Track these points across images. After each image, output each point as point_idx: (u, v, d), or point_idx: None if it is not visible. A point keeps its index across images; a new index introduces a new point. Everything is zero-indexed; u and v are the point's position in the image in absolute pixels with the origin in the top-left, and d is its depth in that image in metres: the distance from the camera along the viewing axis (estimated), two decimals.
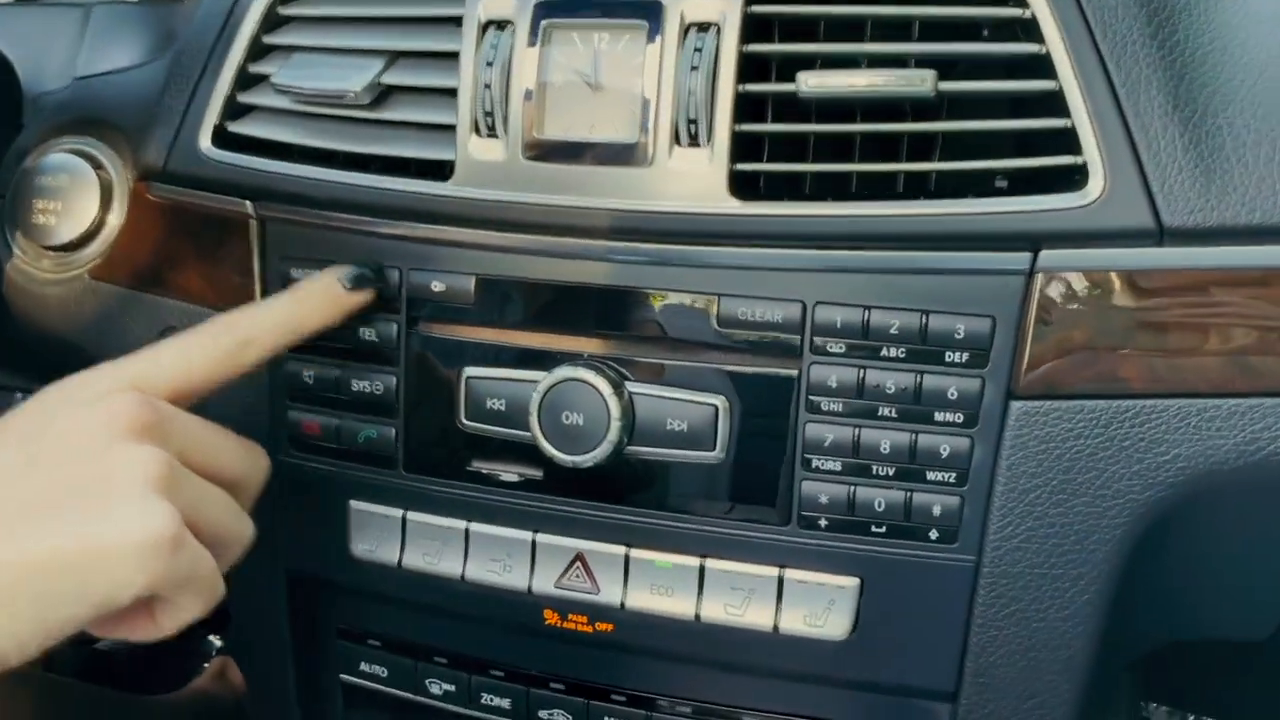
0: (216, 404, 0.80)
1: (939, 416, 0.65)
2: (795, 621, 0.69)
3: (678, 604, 0.71)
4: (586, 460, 0.69)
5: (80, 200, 0.85)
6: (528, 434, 0.70)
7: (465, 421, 0.73)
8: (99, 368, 0.63)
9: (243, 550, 0.63)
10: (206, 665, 1.43)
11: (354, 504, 0.78)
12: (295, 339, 0.70)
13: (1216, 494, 0.64)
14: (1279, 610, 0.76)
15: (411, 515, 0.76)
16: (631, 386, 0.69)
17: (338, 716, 0.87)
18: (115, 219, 0.85)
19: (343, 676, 0.85)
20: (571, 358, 0.70)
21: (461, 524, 0.75)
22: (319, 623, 0.85)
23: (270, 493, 0.80)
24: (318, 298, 0.71)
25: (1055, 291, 0.62)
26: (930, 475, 0.66)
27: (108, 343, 0.84)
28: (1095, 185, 0.60)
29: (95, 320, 0.85)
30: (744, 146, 0.65)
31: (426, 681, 0.81)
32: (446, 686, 0.81)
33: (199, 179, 0.78)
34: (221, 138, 0.77)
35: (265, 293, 0.78)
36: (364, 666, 0.84)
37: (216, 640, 1.64)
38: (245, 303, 0.78)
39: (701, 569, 0.70)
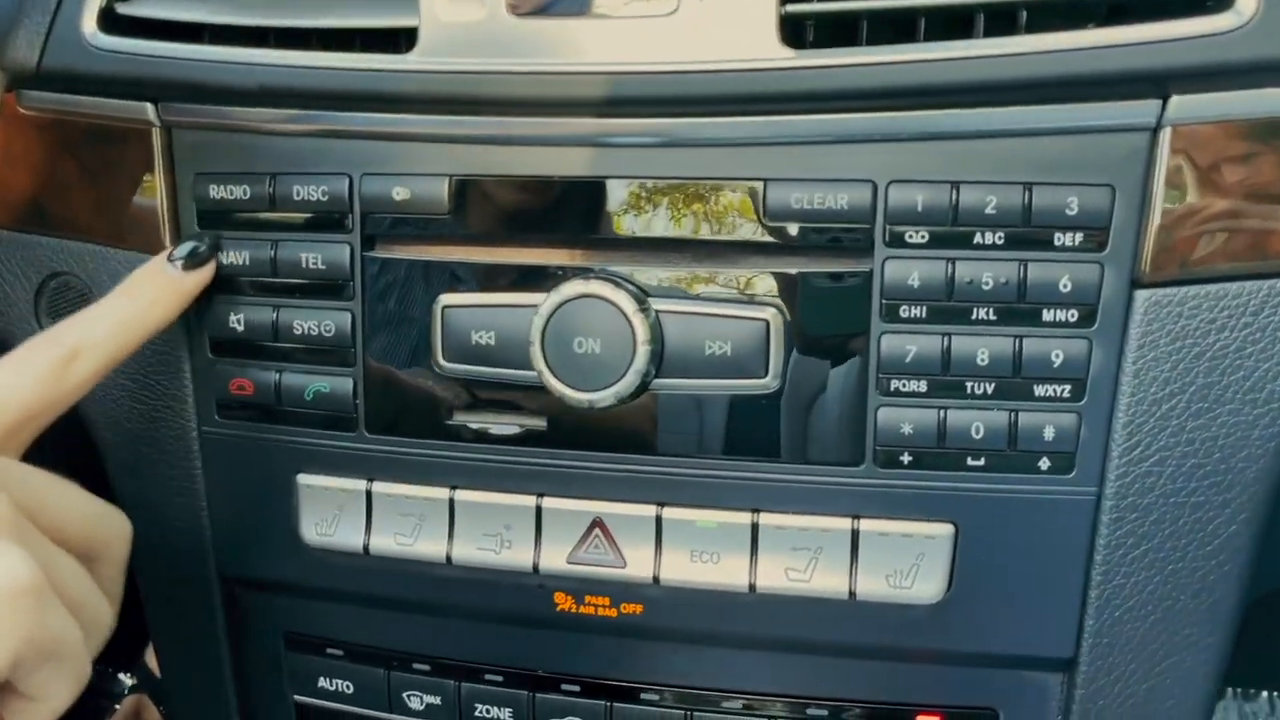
0: (125, 365, 0.65)
1: (1048, 315, 0.53)
2: (876, 584, 0.56)
3: (726, 573, 0.57)
4: (607, 398, 0.55)
5: None
6: (528, 371, 0.56)
7: (443, 363, 0.59)
8: None
9: (101, 640, 0.50)
10: (118, 707, 1.27)
11: (302, 479, 0.63)
12: (134, 341, 0.58)
13: None
14: None
15: (378, 487, 0.61)
16: (658, 303, 0.55)
17: None
18: None
19: (296, 697, 0.69)
20: (580, 272, 0.56)
21: (444, 493, 0.60)
22: (262, 634, 0.69)
23: (192, 476, 0.65)
24: (150, 288, 0.60)
25: (1189, 149, 0.51)
26: (1039, 390, 0.53)
27: None
28: (1245, 3, 0.48)
29: None
30: None
31: (404, 695, 0.66)
32: (430, 699, 0.65)
33: (84, 78, 0.62)
34: (111, 21, 0.61)
35: (175, 220, 0.63)
36: (322, 683, 0.68)
37: (127, 679, 1.48)
38: (151, 234, 0.63)
39: (754, 526, 0.57)
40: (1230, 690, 1.43)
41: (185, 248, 0.60)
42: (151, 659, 1.30)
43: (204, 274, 0.61)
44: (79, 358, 0.55)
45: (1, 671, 0.42)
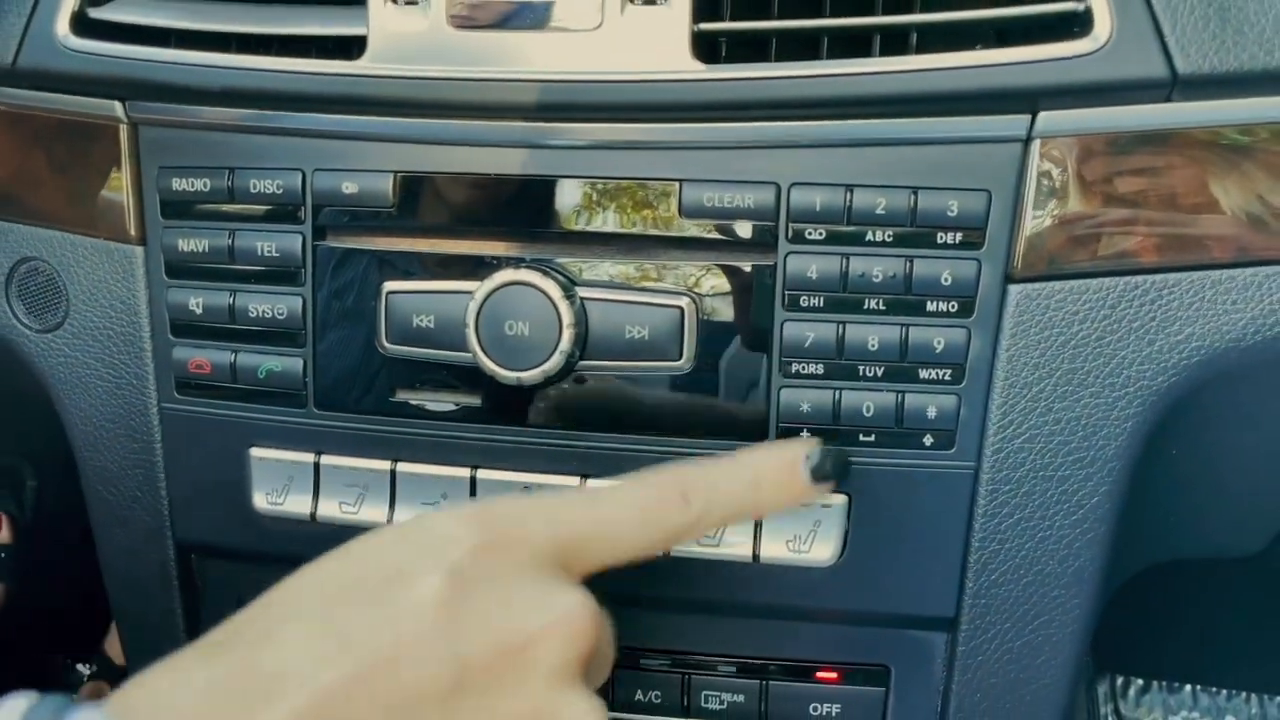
0: (90, 345, 0.69)
1: (931, 306, 0.58)
2: (777, 548, 0.61)
3: None
4: (535, 376, 0.60)
5: None
6: (464, 353, 0.61)
7: (387, 345, 0.63)
8: (518, 506, 0.48)
9: None
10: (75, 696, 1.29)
11: (255, 452, 0.67)
12: (737, 522, 0.58)
13: (1229, 380, 0.59)
14: (1273, 522, 0.71)
15: (326, 459, 0.66)
16: (583, 291, 0.60)
17: None
18: None
19: None
20: (513, 262, 0.61)
21: (386, 465, 0.65)
22: (217, 601, 0.74)
23: (152, 450, 0.70)
24: (776, 486, 0.55)
25: (1056, 158, 0.57)
26: (923, 373, 0.59)
27: None
28: (1101, 30, 0.54)
29: None
30: (705, 3, 0.57)
31: None
32: None
33: (56, 76, 0.66)
34: (83, 24, 0.65)
35: (140, 211, 0.67)
36: None
37: (85, 669, 1.50)
38: (116, 223, 0.67)
39: None
40: (1155, 684, 1.50)
41: (822, 456, 0.55)
42: (111, 647, 1.33)
43: (829, 485, 0.55)
44: (695, 527, 0.52)
45: None
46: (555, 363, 0.59)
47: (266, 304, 0.65)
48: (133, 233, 0.67)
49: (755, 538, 0.61)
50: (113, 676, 1.31)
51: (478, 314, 0.60)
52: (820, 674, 0.65)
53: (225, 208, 0.65)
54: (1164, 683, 1.47)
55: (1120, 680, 1.47)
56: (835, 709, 0.65)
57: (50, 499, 1.44)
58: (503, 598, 0.44)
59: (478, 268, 0.61)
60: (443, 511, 0.48)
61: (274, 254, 0.64)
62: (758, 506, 0.56)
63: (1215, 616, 1.34)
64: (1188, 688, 1.46)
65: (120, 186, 0.67)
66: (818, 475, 0.55)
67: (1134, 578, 0.76)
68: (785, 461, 0.55)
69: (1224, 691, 1.45)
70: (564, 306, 0.59)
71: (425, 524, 0.47)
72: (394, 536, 0.47)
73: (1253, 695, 1.44)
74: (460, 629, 0.43)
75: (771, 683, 0.66)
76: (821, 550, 0.61)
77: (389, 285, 0.63)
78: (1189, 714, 1.46)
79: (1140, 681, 1.47)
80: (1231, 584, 1.07)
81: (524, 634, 0.43)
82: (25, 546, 1.39)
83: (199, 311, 0.66)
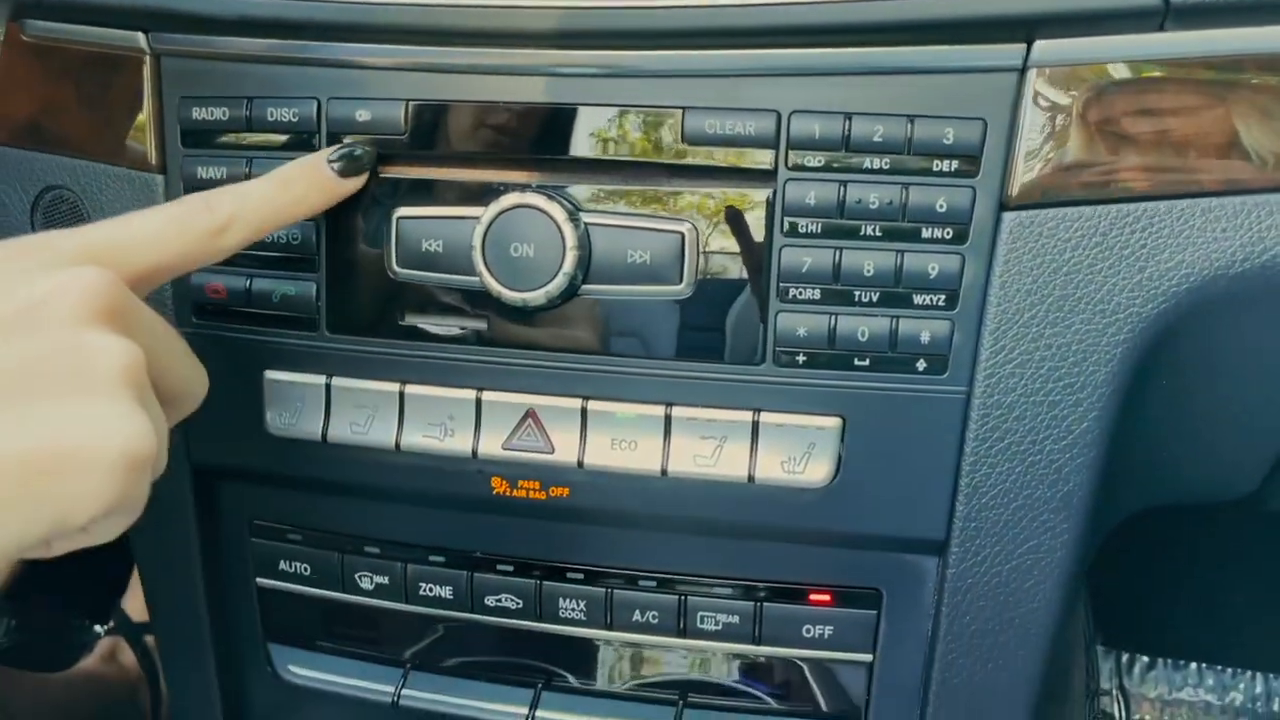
0: None
1: (926, 233, 0.60)
2: (772, 469, 0.63)
3: (642, 458, 0.64)
4: (538, 297, 0.61)
5: None
6: (470, 277, 0.63)
7: (397, 269, 0.65)
8: (57, 233, 0.53)
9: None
10: (95, 648, 1.32)
11: (269, 374, 0.69)
12: (277, 225, 0.61)
13: (1217, 309, 0.60)
14: (1264, 460, 0.72)
15: (337, 381, 0.68)
16: (587, 217, 0.62)
17: (254, 630, 0.78)
18: None
19: (258, 580, 0.76)
20: (519, 187, 0.62)
21: (395, 387, 0.67)
22: (229, 521, 0.76)
23: None
24: (304, 183, 0.62)
25: (1050, 88, 0.58)
26: (918, 299, 0.60)
27: None
28: None
29: None
30: None
31: (356, 576, 0.73)
32: (379, 579, 0.72)
33: (81, 8, 0.69)
34: None
35: (161, 140, 0.69)
36: (283, 565, 0.75)
37: (100, 629, 1.53)
38: (138, 153, 0.69)
39: (668, 418, 0.63)
40: (1161, 661, 1.51)
41: (343, 150, 0.63)
42: (129, 604, 1.36)
43: (357, 182, 0.63)
44: (228, 230, 0.57)
45: (84, 524, 0.45)
46: (558, 284, 0.61)
47: (282, 230, 0.67)
48: (153, 161, 0.69)
49: (751, 459, 0.63)
50: (130, 632, 1.34)
51: (484, 236, 0.62)
52: (813, 596, 0.67)
53: (243, 136, 0.67)
54: (1169, 660, 1.48)
55: (1125, 657, 1.49)
56: (827, 630, 0.67)
57: None
58: (19, 273, 0.47)
59: (485, 193, 0.63)
60: None
61: None
62: (294, 204, 0.61)
63: (1217, 585, 1.34)
64: (1193, 665, 1.47)
65: (142, 116, 0.69)
66: (345, 170, 0.62)
67: (1135, 546, 0.77)
68: (311, 161, 0.63)
69: (1229, 670, 1.46)
70: (568, 229, 0.61)
71: None
72: None
73: (1258, 674, 1.45)
74: None
75: (765, 604, 0.67)
76: (815, 471, 0.62)
77: (399, 211, 0.65)
78: (1194, 690, 1.47)
79: (1145, 659, 1.48)
80: (1230, 545, 1.07)
81: (32, 294, 0.46)
82: None
83: None
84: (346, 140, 0.64)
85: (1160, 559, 1.28)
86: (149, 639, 1.35)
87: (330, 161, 0.63)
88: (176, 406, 0.55)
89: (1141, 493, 0.73)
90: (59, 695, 1.21)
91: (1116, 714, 1.43)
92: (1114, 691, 1.46)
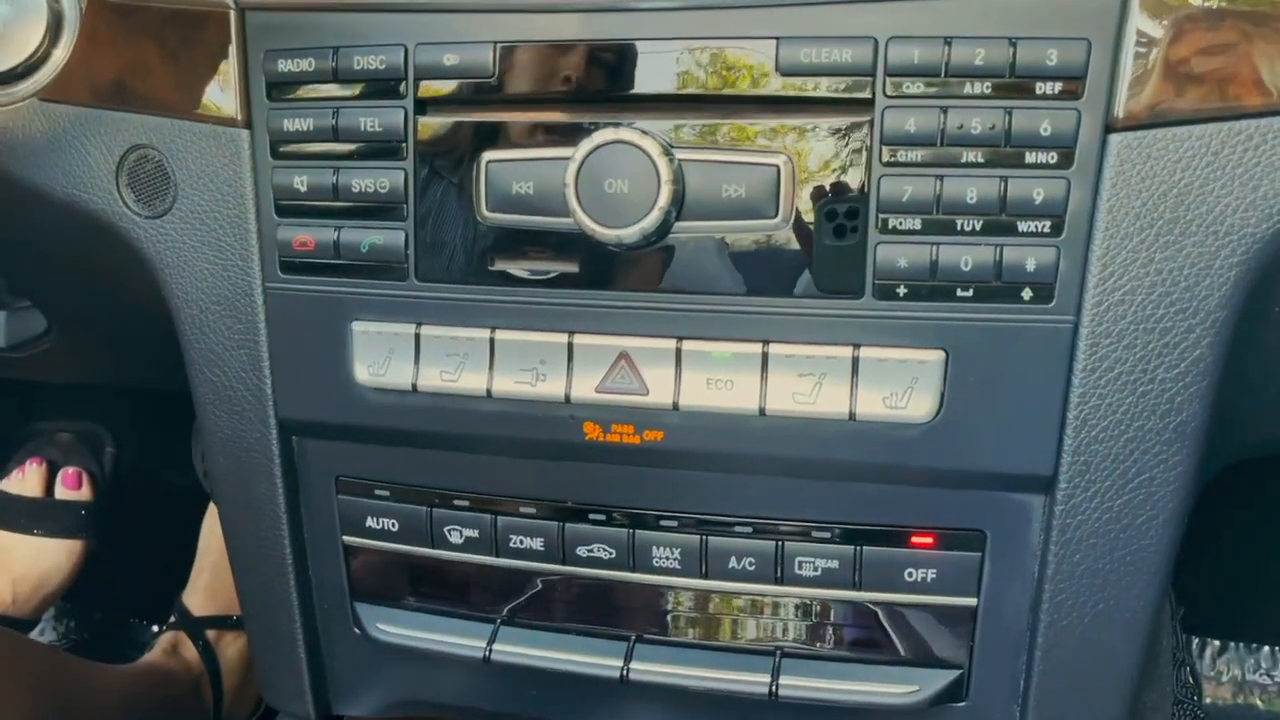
0: (197, 229, 0.72)
1: (1030, 158, 0.58)
2: (874, 405, 0.61)
3: (739, 398, 0.63)
4: (633, 233, 0.61)
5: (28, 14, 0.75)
6: (562, 218, 0.62)
7: (487, 213, 0.65)
8: None
9: None
10: (155, 644, 1.33)
11: (356, 326, 0.69)
12: None
13: None
14: None
15: (426, 329, 0.68)
16: (680, 154, 0.61)
17: (340, 591, 0.77)
18: (70, 31, 0.74)
19: (345, 539, 0.76)
20: (611, 124, 0.62)
21: (485, 333, 0.66)
22: (315, 479, 0.76)
23: (256, 329, 0.72)
24: None
25: (1156, 4, 0.56)
26: (1022, 226, 0.59)
27: (61, 170, 0.74)
28: None
29: (44, 147, 0.75)
30: None
31: (445, 530, 0.72)
32: (468, 533, 0.72)
33: None
34: None
35: (246, 95, 0.69)
36: (370, 523, 0.74)
37: (155, 629, 1.54)
38: (223, 108, 0.70)
39: (765, 355, 0.62)
40: (1233, 644, 1.48)
41: None
42: (189, 598, 1.37)
43: None
44: None
45: None
46: (653, 220, 0.60)
47: (369, 179, 0.67)
48: (239, 116, 0.69)
49: (852, 396, 0.61)
50: (189, 625, 1.35)
51: (577, 173, 0.61)
52: (915, 539, 0.66)
53: (328, 87, 0.67)
54: (1242, 644, 1.45)
55: (1196, 641, 1.46)
56: (930, 574, 0.66)
57: (126, 465, 1.49)
58: None
59: (576, 132, 0.62)
60: None
61: (377, 129, 0.66)
62: None
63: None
64: (1265, 648, 1.44)
65: (227, 71, 0.69)
66: None
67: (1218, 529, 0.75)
68: None
69: None
70: (662, 163, 0.60)
71: None
72: None
73: None
74: None
75: (866, 548, 0.66)
76: (918, 407, 0.61)
77: (488, 155, 0.64)
78: (1268, 673, 1.44)
79: (1217, 643, 1.45)
80: None
81: None
82: (104, 504, 1.44)
83: (303, 190, 0.68)
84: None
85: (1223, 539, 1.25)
86: (211, 634, 1.36)
87: None
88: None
89: (1252, 431, 0.71)
90: (122, 688, 1.21)
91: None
92: (1185, 674, 1.43)
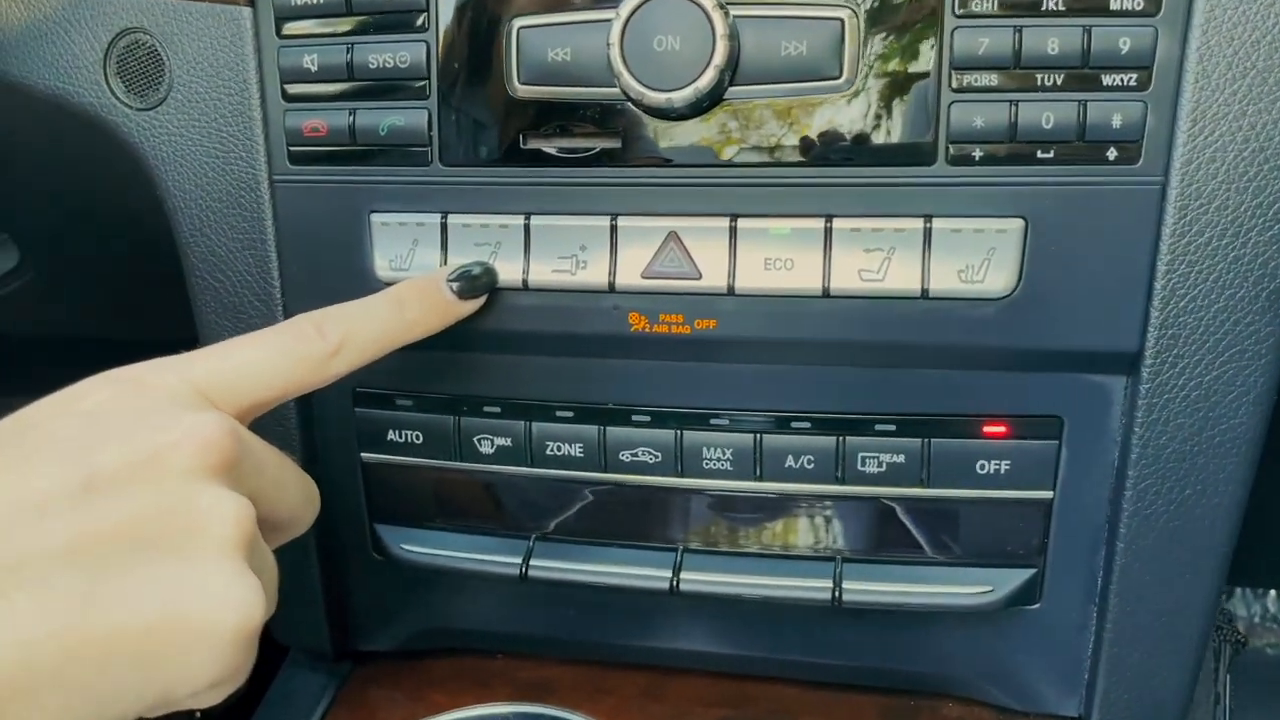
0: (195, 120, 0.66)
1: (1115, 4, 0.54)
2: (948, 280, 0.57)
3: (800, 278, 0.58)
4: (686, 96, 0.56)
5: None
6: (605, 88, 0.57)
7: (519, 86, 0.60)
8: (157, 363, 0.50)
9: None
10: None
11: (376, 217, 0.63)
12: (390, 348, 0.57)
13: None
14: None
15: (453, 218, 0.62)
16: (736, 10, 0.56)
17: (359, 513, 0.72)
18: None
19: (364, 456, 0.70)
20: None
21: (519, 219, 0.61)
22: (329, 394, 0.69)
23: (263, 226, 0.66)
24: (420, 305, 0.59)
25: None
26: (1107, 79, 0.55)
27: (43, 61, 0.68)
28: None
29: (23, 35, 0.68)
30: None
31: (475, 440, 0.67)
32: (501, 442, 0.66)
33: None
34: None
35: None
36: (391, 436, 0.69)
37: None
38: None
39: (828, 230, 0.58)
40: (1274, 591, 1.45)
41: (461, 270, 0.60)
42: None
43: (476, 303, 0.61)
44: (339, 355, 0.54)
45: (186, 696, 0.43)
46: (708, 80, 0.55)
47: (387, 54, 0.61)
48: None
49: (924, 271, 0.57)
50: None
51: (623, 31, 0.56)
52: (987, 428, 0.61)
53: None
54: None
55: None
56: (1003, 465, 0.61)
57: None
58: (134, 419, 0.46)
59: None
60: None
61: None
62: (409, 327, 0.58)
63: None
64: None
65: None
66: (463, 291, 0.60)
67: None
68: (427, 282, 0.60)
69: None
70: (717, 16, 0.55)
71: (72, 389, 0.48)
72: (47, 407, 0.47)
73: None
74: (90, 445, 0.43)
75: (934, 440, 0.62)
76: (996, 280, 0.57)
77: (520, 20, 0.59)
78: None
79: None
80: None
81: (151, 444, 0.44)
82: None
83: (313, 70, 0.63)
84: (463, 266, 0.61)
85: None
86: None
87: (449, 281, 0.60)
88: (285, 532, 0.53)
89: None
90: None
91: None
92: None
